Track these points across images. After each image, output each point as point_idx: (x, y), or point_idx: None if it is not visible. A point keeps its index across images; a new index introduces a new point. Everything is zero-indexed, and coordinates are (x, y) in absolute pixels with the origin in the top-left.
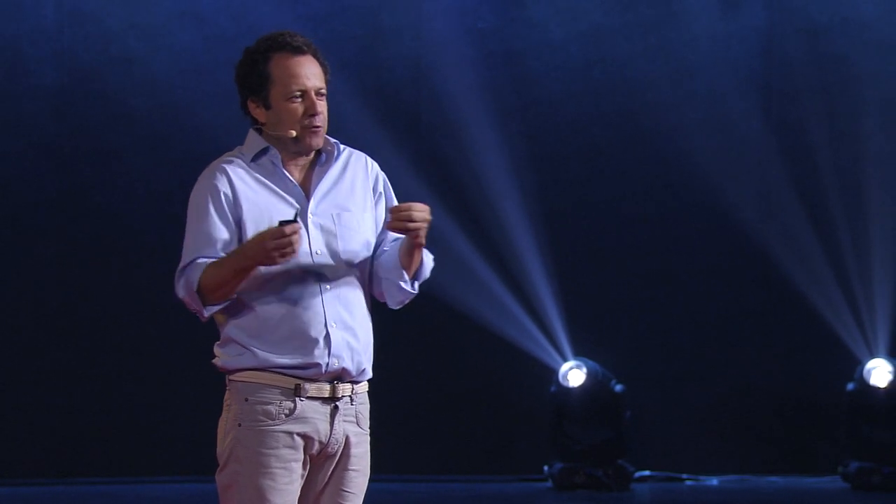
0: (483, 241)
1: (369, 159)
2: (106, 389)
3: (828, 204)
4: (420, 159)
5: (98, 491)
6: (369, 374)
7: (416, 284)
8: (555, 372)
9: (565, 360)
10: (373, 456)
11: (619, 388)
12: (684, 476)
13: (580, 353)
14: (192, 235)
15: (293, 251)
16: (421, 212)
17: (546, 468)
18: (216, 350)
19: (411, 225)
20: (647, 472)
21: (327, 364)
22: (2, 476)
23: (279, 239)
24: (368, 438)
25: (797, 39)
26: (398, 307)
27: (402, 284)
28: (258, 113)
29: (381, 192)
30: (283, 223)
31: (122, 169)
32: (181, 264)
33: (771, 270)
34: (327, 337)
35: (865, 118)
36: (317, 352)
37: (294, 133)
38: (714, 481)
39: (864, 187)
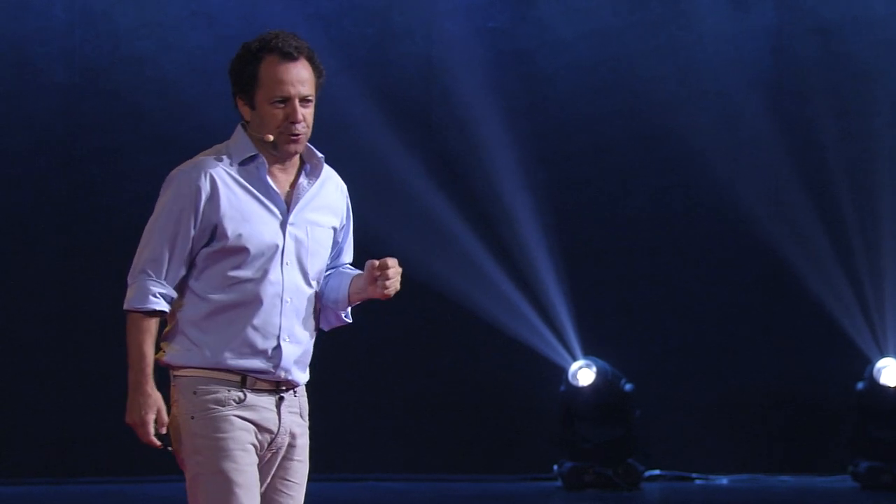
0: (492, 240)
1: (340, 181)
2: (111, 389)
3: (838, 202)
4: (430, 158)
5: (101, 490)
6: (307, 377)
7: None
8: (564, 371)
9: (575, 359)
10: (382, 454)
11: (628, 387)
12: (694, 475)
13: (590, 352)
14: (162, 229)
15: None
16: (396, 272)
17: (556, 467)
18: (162, 344)
19: (388, 289)
20: (656, 472)
21: (273, 374)
22: (5, 475)
23: (139, 428)
24: (308, 430)
25: (806, 38)
26: (327, 329)
27: (343, 316)
28: (244, 111)
29: (346, 223)
30: (163, 438)
31: (130, 168)
32: (135, 268)
33: (781, 269)
34: (278, 349)
35: (875, 116)
36: (266, 362)
37: (272, 138)
38: (724, 480)
39: (874, 185)
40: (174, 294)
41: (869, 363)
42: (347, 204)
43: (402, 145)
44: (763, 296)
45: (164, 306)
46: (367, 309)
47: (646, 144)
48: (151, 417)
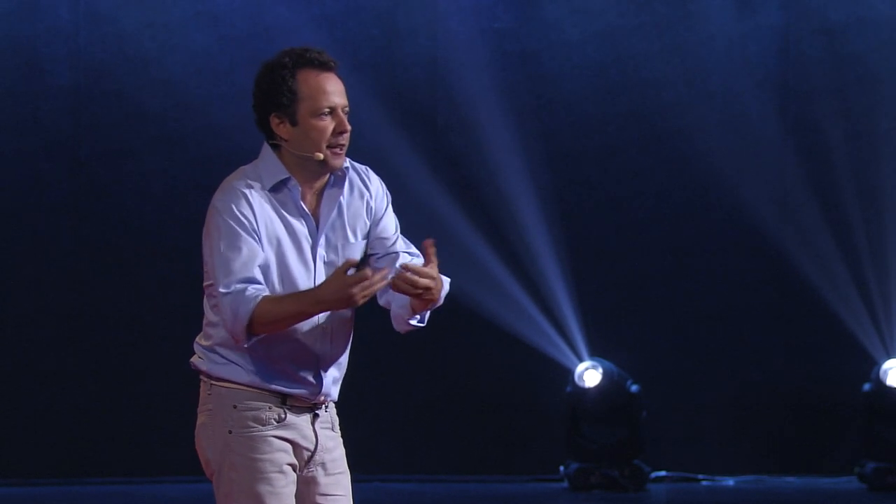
0: (499, 241)
1: (361, 170)
2: (116, 389)
3: (844, 203)
4: (436, 159)
5: (107, 491)
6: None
7: (427, 316)
8: (570, 372)
9: (581, 360)
10: (388, 455)
11: (634, 388)
12: (700, 476)
13: (596, 353)
14: (227, 253)
15: (372, 294)
16: (426, 278)
17: (562, 468)
18: (199, 351)
19: (415, 291)
20: (662, 473)
21: (314, 397)
22: (10, 476)
23: (364, 282)
24: (342, 442)
25: (813, 39)
26: (404, 332)
27: (412, 322)
28: (282, 129)
29: (380, 210)
30: (359, 266)
31: (136, 169)
32: (223, 286)
33: (787, 270)
34: (318, 376)
35: (882, 117)
36: (307, 389)
37: (321, 156)
38: (730, 481)
39: (880, 187)
40: (261, 278)
41: (875, 364)
42: (375, 190)
43: (407, 146)
44: (769, 297)
45: (262, 289)
46: (372, 310)
47: (652, 145)
48: (356, 283)
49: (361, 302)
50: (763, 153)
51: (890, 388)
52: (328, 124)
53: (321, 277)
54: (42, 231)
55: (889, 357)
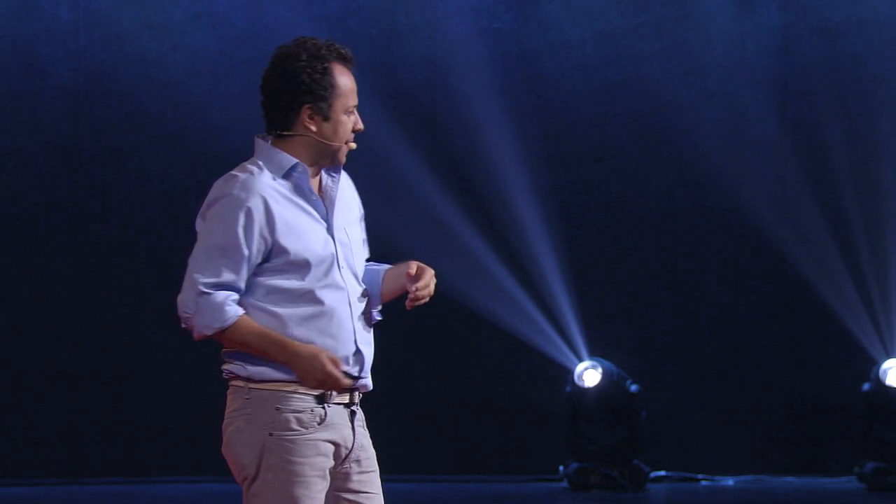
0: (498, 241)
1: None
2: (116, 389)
3: (843, 203)
4: (435, 159)
5: (106, 491)
6: None
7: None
8: (570, 372)
9: (581, 360)
10: (388, 455)
11: (634, 388)
12: (700, 476)
13: (595, 353)
14: (214, 252)
15: (330, 389)
16: (431, 283)
17: (561, 468)
18: (234, 357)
19: (423, 296)
20: (662, 473)
21: (357, 380)
22: (11, 476)
23: (332, 380)
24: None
25: (813, 39)
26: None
27: (374, 314)
28: (313, 121)
29: (362, 214)
30: (345, 374)
31: (136, 169)
32: (204, 284)
33: (787, 270)
34: (358, 353)
35: (881, 118)
36: (350, 370)
37: (354, 146)
38: (730, 481)
39: (879, 187)
40: (242, 283)
41: (875, 364)
42: (360, 203)
43: (406, 146)
44: (769, 296)
45: (241, 310)
46: None
47: (652, 145)
48: (330, 367)
49: (317, 387)
50: (763, 153)
51: (889, 388)
52: (351, 122)
53: (341, 254)
54: (42, 231)
55: (889, 357)
